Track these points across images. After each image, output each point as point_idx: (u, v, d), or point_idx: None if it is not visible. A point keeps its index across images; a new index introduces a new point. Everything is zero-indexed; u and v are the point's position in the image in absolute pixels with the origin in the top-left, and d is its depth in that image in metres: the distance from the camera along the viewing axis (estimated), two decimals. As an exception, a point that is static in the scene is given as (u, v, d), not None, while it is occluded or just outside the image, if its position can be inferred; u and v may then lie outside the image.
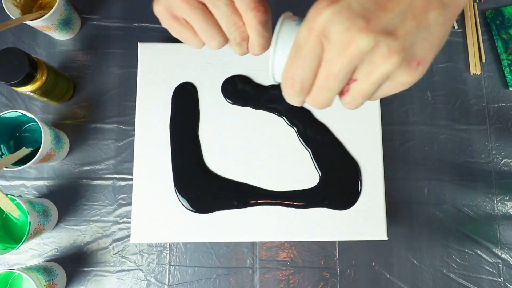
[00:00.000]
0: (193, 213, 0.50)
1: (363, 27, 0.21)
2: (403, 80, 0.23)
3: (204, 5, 0.29)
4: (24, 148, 0.52)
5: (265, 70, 0.32)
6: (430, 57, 0.23)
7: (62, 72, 0.57)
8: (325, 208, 0.51)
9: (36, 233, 0.51)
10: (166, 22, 0.31)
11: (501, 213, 0.58)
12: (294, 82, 0.25)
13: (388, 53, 0.22)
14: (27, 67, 0.48)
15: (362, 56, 0.22)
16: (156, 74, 0.53)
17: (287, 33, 0.28)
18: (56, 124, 0.59)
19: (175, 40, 0.60)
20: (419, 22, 0.22)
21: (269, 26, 0.31)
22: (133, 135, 0.55)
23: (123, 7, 0.62)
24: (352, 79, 0.24)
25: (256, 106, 0.53)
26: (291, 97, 0.26)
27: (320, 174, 0.52)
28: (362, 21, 0.21)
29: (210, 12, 0.29)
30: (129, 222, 0.56)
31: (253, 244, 0.56)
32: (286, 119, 0.53)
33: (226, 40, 0.31)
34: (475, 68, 0.61)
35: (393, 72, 0.22)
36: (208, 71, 0.53)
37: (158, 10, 0.30)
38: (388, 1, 0.22)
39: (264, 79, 0.54)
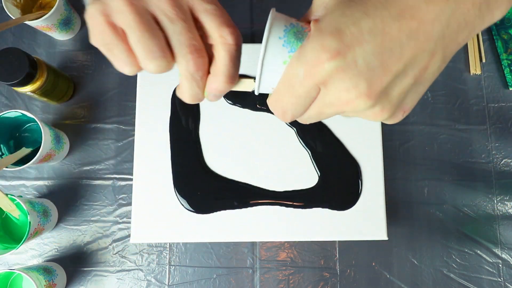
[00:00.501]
0: (193, 213, 0.50)
1: (364, 92, 0.21)
2: (386, 122, 0.24)
3: (153, 16, 0.23)
4: (24, 148, 0.52)
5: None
6: (414, 104, 0.24)
7: (62, 72, 0.57)
8: (325, 208, 0.51)
9: (36, 233, 0.51)
10: (96, 27, 0.23)
11: (501, 213, 0.58)
12: (286, 115, 0.24)
13: (381, 112, 0.22)
14: (27, 67, 0.48)
15: (357, 112, 0.22)
16: (156, 74, 0.53)
17: (276, 46, 0.25)
18: (56, 124, 0.59)
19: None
20: (417, 79, 0.22)
21: (239, 63, 0.27)
22: (133, 135, 0.55)
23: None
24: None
25: (255, 108, 0.53)
26: (280, 115, 0.25)
27: (319, 174, 0.52)
28: (364, 85, 0.20)
29: (157, 25, 0.23)
30: (129, 222, 0.56)
31: (253, 244, 0.56)
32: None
33: (169, 64, 0.24)
34: (475, 68, 0.61)
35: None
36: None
37: (91, 11, 0.23)
38: (393, 60, 0.20)
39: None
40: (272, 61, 0.25)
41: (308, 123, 0.25)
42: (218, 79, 0.25)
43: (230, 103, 0.53)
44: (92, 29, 0.24)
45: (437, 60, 0.22)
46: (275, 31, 0.25)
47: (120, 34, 0.23)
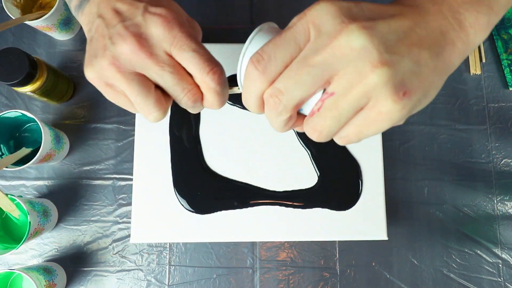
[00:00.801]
0: (193, 213, 0.50)
1: (359, 26, 0.20)
2: (385, 108, 0.20)
3: (143, 75, 0.27)
4: (24, 148, 0.52)
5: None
6: (417, 94, 0.21)
7: (62, 72, 0.57)
8: (325, 209, 0.51)
9: (36, 233, 0.51)
10: (100, 88, 0.29)
11: (501, 213, 0.58)
12: (261, 60, 0.22)
13: (378, 62, 0.20)
14: (27, 67, 0.48)
15: (350, 56, 0.20)
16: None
17: (259, 39, 0.27)
18: (56, 124, 0.59)
19: (175, 40, 0.60)
20: (411, 52, 0.21)
21: (226, 90, 0.30)
22: (133, 135, 0.55)
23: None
24: (327, 92, 0.21)
25: None
26: (252, 83, 0.23)
27: (319, 174, 0.52)
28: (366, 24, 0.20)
29: (149, 81, 0.27)
30: (129, 222, 0.56)
31: (253, 244, 0.56)
32: None
33: (165, 112, 0.29)
34: (475, 68, 0.61)
35: (376, 90, 0.20)
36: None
37: (90, 77, 0.28)
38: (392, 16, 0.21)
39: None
40: None
41: (288, 89, 0.22)
42: (212, 107, 0.30)
43: (230, 104, 0.53)
44: (97, 87, 0.29)
45: (426, 44, 0.22)
46: (254, 46, 0.27)
47: (120, 92, 0.28)
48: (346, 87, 0.20)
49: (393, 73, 0.20)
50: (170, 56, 0.27)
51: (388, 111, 0.20)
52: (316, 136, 0.23)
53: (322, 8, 0.21)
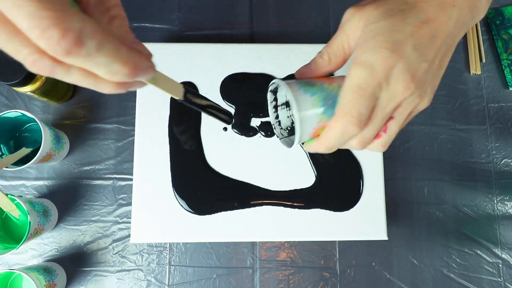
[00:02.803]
0: (193, 214, 0.50)
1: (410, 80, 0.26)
2: (421, 108, 0.30)
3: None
4: (24, 148, 0.52)
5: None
6: (436, 86, 0.30)
7: (62, 72, 0.57)
8: (326, 210, 0.51)
9: (36, 233, 0.51)
10: None
11: (501, 213, 0.58)
12: (353, 118, 0.26)
13: (423, 96, 0.29)
14: (27, 67, 0.48)
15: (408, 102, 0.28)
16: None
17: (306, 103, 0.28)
18: (56, 124, 0.59)
19: (175, 40, 0.61)
20: (440, 63, 0.29)
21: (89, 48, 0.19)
22: (133, 135, 0.55)
23: (123, 7, 0.62)
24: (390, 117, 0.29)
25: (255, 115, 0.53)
26: (344, 135, 0.27)
27: (319, 174, 0.52)
28: (409, 75, 0.26)
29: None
30: (129, 222, 0.56)
31: (253, 244, 0.56)
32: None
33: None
34: (475, 68, 0.61)
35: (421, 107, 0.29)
36: (208, 71, 0.53)
37: None
38: (426, 51, 0.27)
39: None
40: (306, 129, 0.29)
41: (370, 134, 0.28)
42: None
43: (231, 105, 0.53)
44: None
45: (450, 48, 0.29)
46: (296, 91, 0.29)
47: None
48: (403, 113, 0.29)
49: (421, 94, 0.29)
50: None
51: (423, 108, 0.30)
52: (382, 149, 0.31)
53: (395, 66, 0.26)
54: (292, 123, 0.33)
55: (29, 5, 0.15)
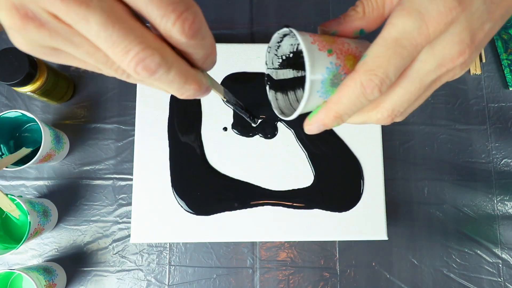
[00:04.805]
0: (193, 214, 0.51)
1: (467, 44, 0.21)
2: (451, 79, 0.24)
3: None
4: (24, 148, 0.52)
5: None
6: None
7: (62, 72, 0.57)
8: (326, 211, 0.51)
9: (36, 233, 0.51)
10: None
11: (501, 213, 0.58)
12: (377, 78, 0.21)
13: (467, 66, 0.22)
14: (27, 67, 0.48)
15: (452, 70, 0.22)
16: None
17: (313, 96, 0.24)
18: (56, 124, 0.59)
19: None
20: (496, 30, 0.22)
21: (206, 33, 0.21)
22: (133, 135, 0.55)
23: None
24: None
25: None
26: (360, 97, 0.21)
27: (319, 174, 0.52)
28: (468, 36, 0.21)
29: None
30: (129, 222, 0.56)
31: (253, 244, 0.56)
32: (285, 123, 0.53)
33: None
34: (475, 68, 0.61)
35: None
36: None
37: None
38: (495, 9, 0.21)
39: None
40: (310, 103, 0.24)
41: (398, 116, 0.23)
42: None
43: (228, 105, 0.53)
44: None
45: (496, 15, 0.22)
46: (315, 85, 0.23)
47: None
48: (436, 85, 0.23)
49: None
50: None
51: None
52: (390, 121, 0.24)
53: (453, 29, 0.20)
54: (295, 84, 0.28)
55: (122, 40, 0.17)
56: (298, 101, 0.28)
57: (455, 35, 0.20)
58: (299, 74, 0.29)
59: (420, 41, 0.20)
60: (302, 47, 0.22)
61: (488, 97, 0.61)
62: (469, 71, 0.61)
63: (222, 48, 0.54)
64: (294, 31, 0.23)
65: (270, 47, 0.27)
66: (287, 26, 0.24)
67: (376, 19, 0.24)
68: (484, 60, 0.62)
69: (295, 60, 0.28)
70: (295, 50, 0.28)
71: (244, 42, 0.55)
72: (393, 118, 0.24)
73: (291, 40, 0.27)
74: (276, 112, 0.28)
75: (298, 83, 0.29)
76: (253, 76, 0.54)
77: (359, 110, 0.23)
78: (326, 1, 0.62)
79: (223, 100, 0.29)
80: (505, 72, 0.61)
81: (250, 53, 0.54)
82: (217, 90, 0.27)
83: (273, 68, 0.28)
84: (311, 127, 0.24)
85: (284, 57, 0.28)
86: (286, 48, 0.28)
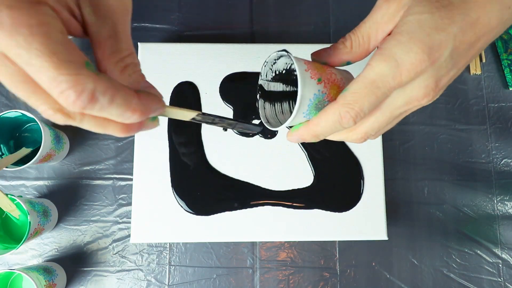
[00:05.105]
0: (193, 214, 0.51)
1: (432, 88, 0.25)
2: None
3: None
4: (24, 148, 0.52)
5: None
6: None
7: (62, 72, 0.57)
8: (326, 211, 0.51)
9: (36, 233, 0.51)
10: None
11: (501, 213, 0.58)
12: (353, 112, 0.24)
13: (427, 101, 0.26)
14: (27, 67, 0.48)
15: (412, 106, 0.27)
16: (156, 74, 0.53)
17: (299, 116, 0.27)
18: (56, 124, 0.58)
19: (175, 40, 0.61)
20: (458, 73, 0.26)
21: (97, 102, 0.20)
22: (133, 135, 0.55)
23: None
24: None
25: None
26: (336, 124, 0.25)
27: (318, 174, 0.52)
28: (433, 81, 0.25)
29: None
30: (129, 222, 0.56)
31: (253, 244, 0.56)
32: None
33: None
34: (475, 68, 0.61)
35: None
36: (208, 71, 0.53)
37: None
38: (461, 59, 0.25)
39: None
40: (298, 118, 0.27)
41: (372, 136, 0.28)
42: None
43: (228, 106, 0.53)
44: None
45: (479, 51, 0.26)
46: (302, 107, 0.27)
47: None
48: (403, 115, 0.28)
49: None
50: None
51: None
52: (361, 141, 0.29)
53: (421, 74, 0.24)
54: (282, 97, 0.32)
55: (49, 70, 0.18)
56: (283, 112, 0.31)
57: (422, 82, 0.24)
58: (288, 89, 0.32)
59: (393, 85, 0.23)
60: (298, 74, 0.25)
61: (488, 97, 0.61)
62: (469, 71, 0.61)
63: (222, 48, 0.54)
64: (292, 58, 0.26)
65: (267, 62, 0.30)
66: (286, 51, 0.28)
67: (361, 54, 0.27)
68: (484, 60, 0.62)
69: (286, 76, 0.31)
70: (288, 68, 0.31)
71: (244, 42, 0.55)
72: (366, 139, 0.28)
73: (287, 60, 0.30)
74: (263, 120, 0.31)
75: (285, 97, 0.32)
76: (253, 76, 0.54)
77: (336, 132, 0.27)
78: (326, 1, 0.62)
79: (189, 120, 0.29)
80: (505, 72, 0.61)
81: (250, 53, 0.54)
82: (179, 116, 0.28)
83: (266, 80, 0.31)
84: (292, 138, 0.28)
85: (277, 72, 0.31)
86: (281, 65, 0.31)
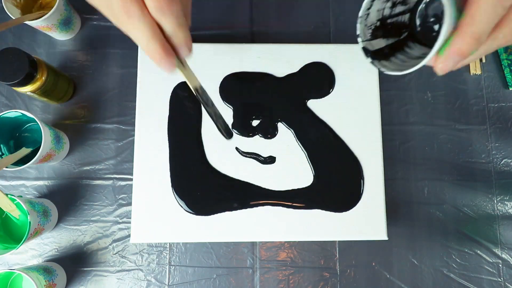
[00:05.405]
0: (193, 214, 0.50)
1: None
2: None
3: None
4: (24, 148, 0.52)
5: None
6: None
7: (62, 72, 0.57)
8: (326, 211, 0.51)
9: (36, 233, 0.51)
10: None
11: (501, 213, 0.58)
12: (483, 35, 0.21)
13: None
14: (27, 67, 0.48)
15: None
16: (156, 74, 0.53)
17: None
18: (56, 124, 0.59)
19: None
20: None
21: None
22: (133, 135, 0.55)
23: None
24: None
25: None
26: (497, 6, 0.21)
27: (314, 173, 0.52)
28: None
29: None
30: (129, 222, 0.56)
31: (253, 244, 0.56)
32: (285, 123, 0.53)
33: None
34: (475, 68, 0.61)
35: None
36: (208, 71, 0.53)
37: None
38: None
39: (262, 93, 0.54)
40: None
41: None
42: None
43: (231, 108, 0.53)
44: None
45: None
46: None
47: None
48: None
49: None
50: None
51: None
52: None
53: None
54: (390, 51, 0.29)
55: None
56: (404, 61, 0.29)
57: None
58: (389, 42, 0.30)
59: None
60: None
61: (488, 97, 0.61)
62: (469, 71, 0.61)
63: (222, 48, 0.54)
64: None
65: (360, 17, 0.29)
66: None
67: None
68: (484, 60, 0.62)
69: (382, 28, 0.30)
70: (381, 17, 0.29)
71: (244, 42, 0.55)
72: None
73: (379, 4, 0.28)
74: (393, 73, 0.28)
75: (392, 49, 0.30)
76: (253, 76, 0.54)
77: (497, 21, 0.22)
78: (326, 1, 0.62)
79: (194, 93, 0.33)
80: (505, 72, 0.61)
81: (250, 53, 0.54)
82: (188, 78, 0.33)
83: (366, 40, 0.29)
84: (446, 64, 0.23)
85: (373, 27, 0.29)
86: (374, 16, 0.29)
